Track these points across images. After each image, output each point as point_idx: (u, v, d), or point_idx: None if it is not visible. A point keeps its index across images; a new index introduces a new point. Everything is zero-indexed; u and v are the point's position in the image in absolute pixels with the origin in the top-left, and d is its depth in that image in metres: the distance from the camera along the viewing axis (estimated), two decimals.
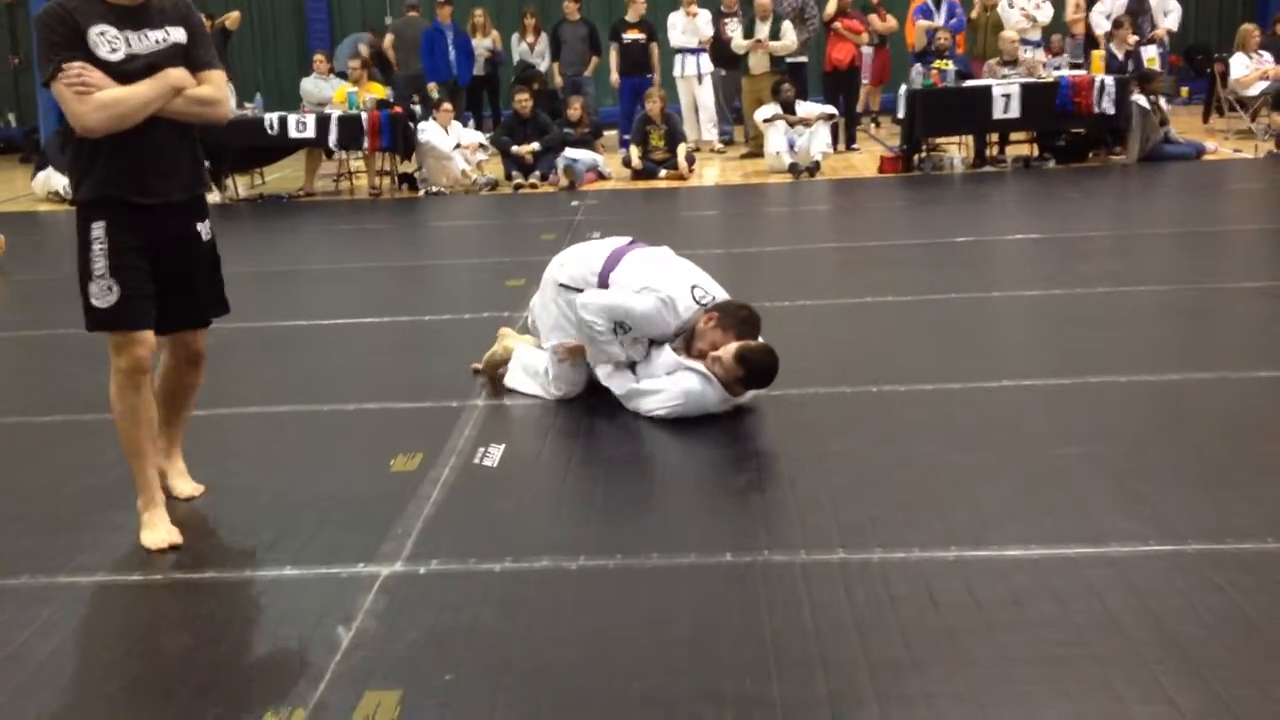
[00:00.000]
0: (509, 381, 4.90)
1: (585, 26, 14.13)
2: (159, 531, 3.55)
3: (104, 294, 3.46)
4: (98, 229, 3.45)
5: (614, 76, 13.86)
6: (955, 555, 3.27)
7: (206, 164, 11.97)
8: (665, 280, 4.60)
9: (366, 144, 11.57)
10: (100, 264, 3.45)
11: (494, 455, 4.20)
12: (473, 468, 4.11)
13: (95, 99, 3.34)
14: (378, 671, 2.83)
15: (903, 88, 11.79)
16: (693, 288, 4.60)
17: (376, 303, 6.94)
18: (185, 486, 3.88)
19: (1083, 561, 3.19)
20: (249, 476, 4.09)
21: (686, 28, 13.52)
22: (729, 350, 4.39)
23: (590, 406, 4.65)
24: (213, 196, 11.61)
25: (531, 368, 4.84)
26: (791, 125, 11.89)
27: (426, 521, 3.65)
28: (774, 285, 6.59)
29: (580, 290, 4.69)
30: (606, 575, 3.29)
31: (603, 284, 4.66)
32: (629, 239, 4.95)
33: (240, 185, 12.21)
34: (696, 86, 13.68)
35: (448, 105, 12.19)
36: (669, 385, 4.46)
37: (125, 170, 3.44)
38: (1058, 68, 12.19)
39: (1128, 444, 4.09)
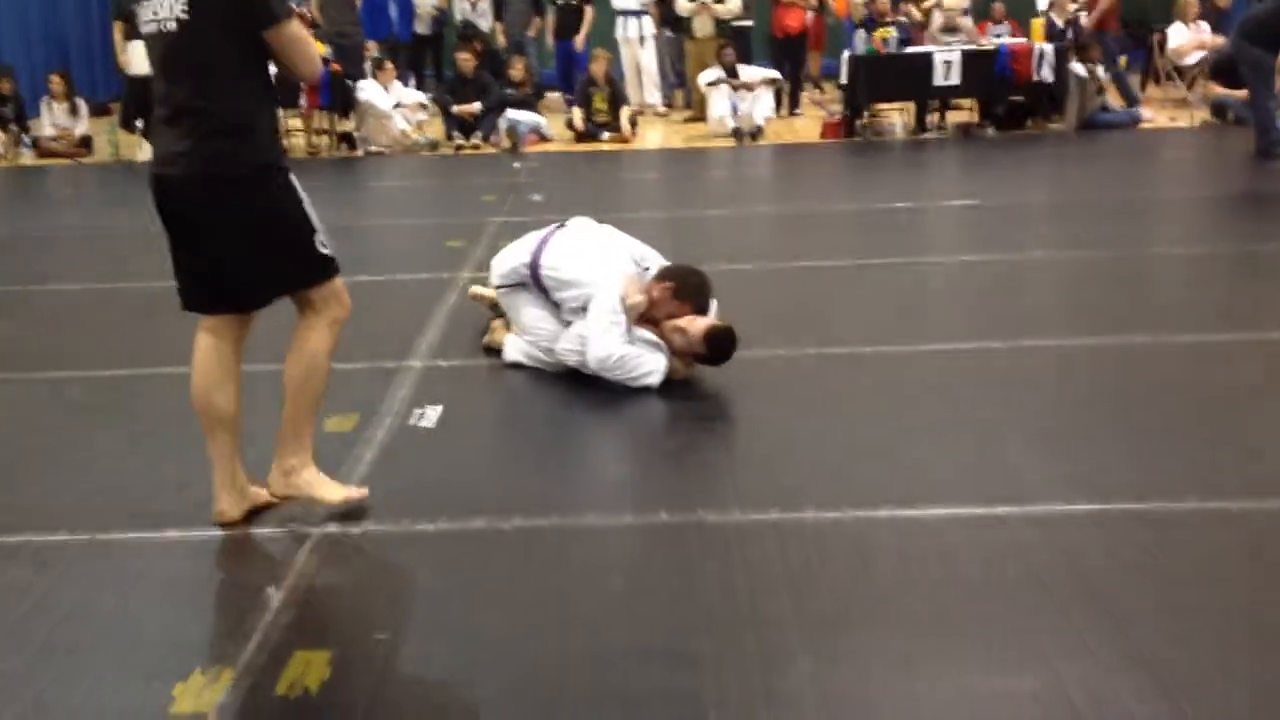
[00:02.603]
0: (508, 357, 4.76)
1: None
2: (339, 487, 3.45)
3: (327, 243, 3.33)
4: (296, 181, 3.27)
5: (549, 39, 13.77)
6: (887, 515, 3.30)
7: (139, 123, 11.76)
8: (602, 262, 4.57)
9: (304, 102, 11.41)
10: (315, 215, 3.30)
11: (431, 416, 4.18)
12: (409, 429, 4.09)
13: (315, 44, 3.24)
14: (308, 632, 2.82)
15: (845, 54, 11.80)
16: (636, 261, 4.61)
17: None
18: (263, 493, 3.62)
19: (1010, 520, 3.24)
20: (177, 435, 4.03)
21: None
22: (698, 328, 4.38)
23: (530, 371, 4.63)
24: (147, 154, 11.49)
25: (529, 354, 4.70)
26: (735, 90, 11.88)
27: (361, 482, 3.62)
28: (716, 249, 6.58)
29: (518, 284, 4.66)
30: (542, 535, 3.29)
31: (533, 273, 4.62)
32: (554, 225, 4.89)
33: None
34: (639, 49, 13.61)
35: (388, 63, 12.05)
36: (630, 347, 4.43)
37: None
38: (998, 35, 12.24)
39: (1057, 406, 4.15)
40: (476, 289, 5.36)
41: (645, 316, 4.48)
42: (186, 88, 3.13)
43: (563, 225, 4.86)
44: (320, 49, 11.87)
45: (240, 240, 3.22)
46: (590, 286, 4.45)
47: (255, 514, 3.42)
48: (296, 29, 3.15)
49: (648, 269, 4.64)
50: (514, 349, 4.68)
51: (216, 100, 3.12)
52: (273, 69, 3.28)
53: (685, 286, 4.49)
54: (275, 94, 3.35)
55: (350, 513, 3.41)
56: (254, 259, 3.26)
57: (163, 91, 3.18)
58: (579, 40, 13.52)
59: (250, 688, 2.58)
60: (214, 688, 2.57)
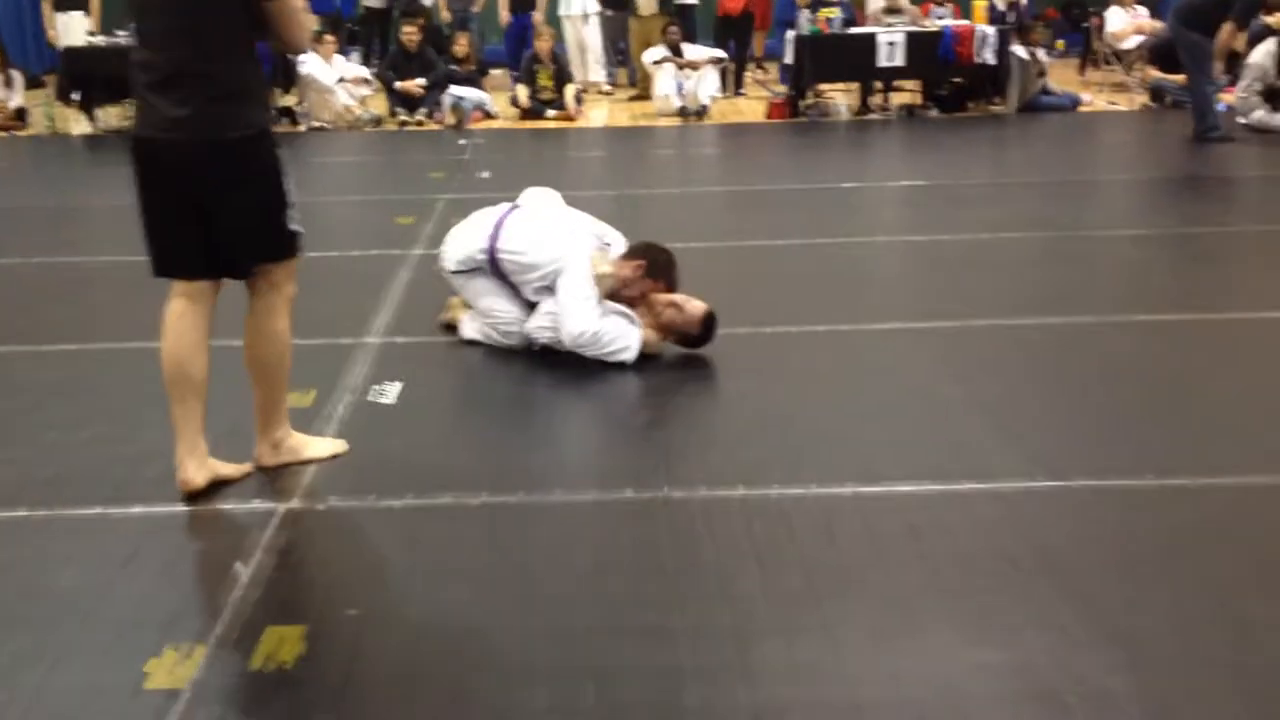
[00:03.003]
0: (465, 334, 4.73)
1: None
2: (325, 441, 3.64)
3: (296, 220, 3.39)
4: (282, 156, 3.32)
5: (504, 14, 13.67)
6: (852, 491, 3.34)
7: (77, 96, 11.53)
8: (565, 239, 4.55)
9: None
10: (293, 191, 3.36)
11: (390, 392, 4.16)
12: (368, 405, 4.07)
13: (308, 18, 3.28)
14: (279, 607, 2.80)
15: (789, 33, 11.84)
16: (598, 237, 4.62)
17: None
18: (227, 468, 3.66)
19: (973, 497, 3.29)
20: (132, 412, 3.98)
21: None
22: (695, 309, 4.43)
23: (489, 348, 4.62)
24: (84, 127, 11.29)
25: (486, 334, 4.66)
26: (680, 68, 11.88)
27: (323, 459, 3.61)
28: (664, 227, 6.55)
29: (474, 270, 4.63)
30: (509, 511, 3.29)
31: (492, 258, 4.58)
32: (508, 206, 4.85)
33: (113, 116, 11.78)
34: (583, 26, 13.56)
35: (330, 37, 11.90)
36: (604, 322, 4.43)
37: None
38: (941, 18, 12.34)
39: (1012, 385, 4.21)
40: (446, 316, 5.09)
41: (616, 294, 4.49)
42: (185, 53, 3.17)
43: (516, 206, 4.82)
44: None
45: (234, 205, 3.28)
46: (555, 264, 4.44)
47: (215, 487, 3.39)
48: (288, 2, 3.19)
49: (608, 244, 4.64)
50: (471, 328, 4.66)
51: (217, 65, 3.18)
52: None
53: (656, 264, 4.52)
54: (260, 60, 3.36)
55: (315, 489, 3.40)
56: (244, 225, 3.32)
57: (151, 58, 3.20)
58: (537, 16, 13.41)
59: (225, 663, 2.57)
60: (187, 663, 2.56)
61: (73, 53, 11.44)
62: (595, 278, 4.41)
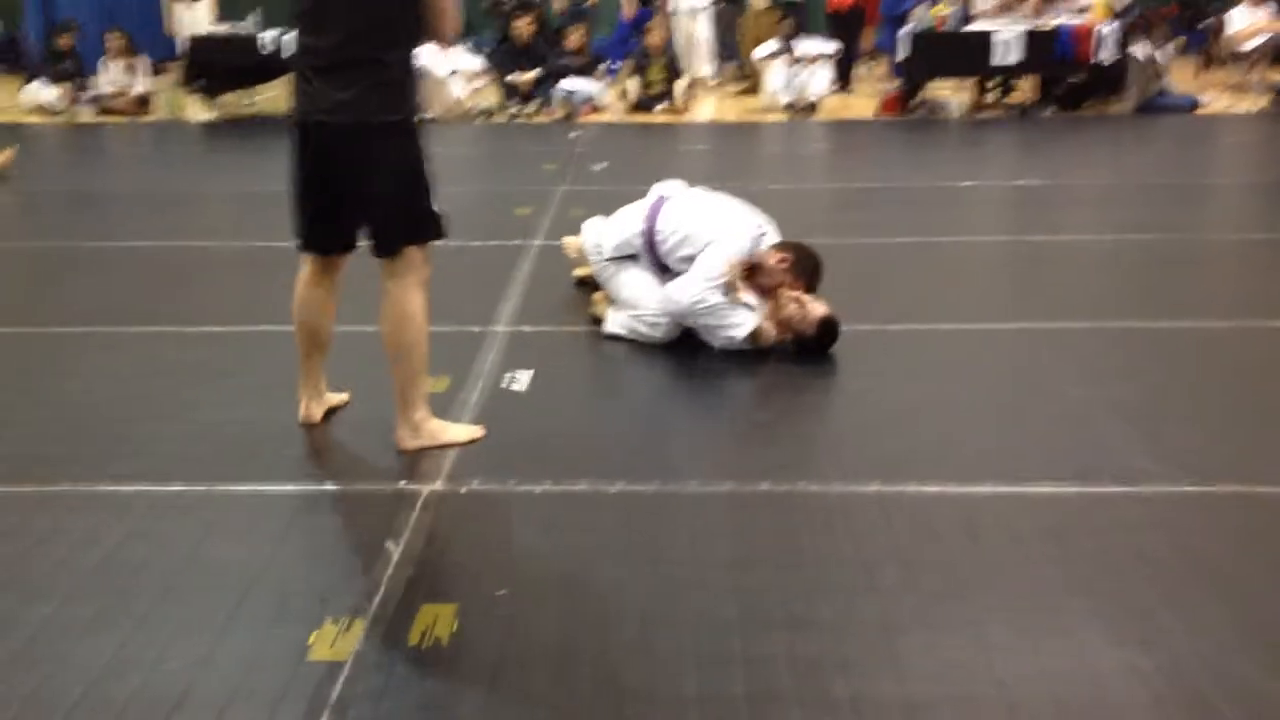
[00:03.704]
0: (608, 329, 4.75)
1: None
2: (463, 428, 3.75)
3: (439, 203, 3.54)
4: (425, 145, 3.48)
5: (627, 7, 13.73)
6: (990, 490, 3.33)
7: (201, 82, 11.86)
8: (725, 219, 4.63)
9: None
10: (434, 178, 3.51)
11: (521, 380, 4.23)
12: (501, 391, 4.14)
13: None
14: (431, 585, 2.88)
15: (903, 29, 11.75)
16: (755, 226, 4.66)
17: None
18: (336, 397, 3.98)
19: (1116, 499, 3.27)
20: (276, 394, 4.09)
21: None
22: (816, 310, 4.44)
23: (619, 340, 4.66)
24: (206, 114, 11.58)
25: (631, 327, 4.68)
26: (793, 63, 11.85)
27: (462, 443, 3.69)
28: (778, 223, 6.59)
29: (630, 256, 4.71)
30: (646, 500, 3.34)
31: (649, 244, 4.67)
32: (657, 196, 4.93)
33: (230, 104, 12.07)
34: (694, 21, 13.58)
35: None
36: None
37: None
38: (1059, 15, 12.15)
39: (1145, 387, 4.16)
40: (569, 239, 5.40)
41: (755, 283, 4.53)
42: (350, 38, 3.33)
43: (666, 196, 4.89)
44: None
45: (382, 186, 3.43)
46: (705, 236, 4.51)
47: (329, 415, 3.78)
48: None
49: (764, 234, 4.67)
50: (615, 322, 4.71)
51: (385, 53, 3.34)
52: None
53: (802, 262, 4.57)
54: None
55: (457, 472, 3.48)
56: (387, 206, 3.47)
57: (318, 43, 3.37)
58: (662, 8, 13.45)
59: (383, 638, 2.64)
60: (347, 637, 2.64)
61: (197, 42, 11.73)
62: (734, 266, 4.44)
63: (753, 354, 4.44)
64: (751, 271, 4.56)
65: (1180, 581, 2.84)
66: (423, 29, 3.42)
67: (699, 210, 4.71)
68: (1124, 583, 2.85)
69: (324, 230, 3.60)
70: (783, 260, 4.55)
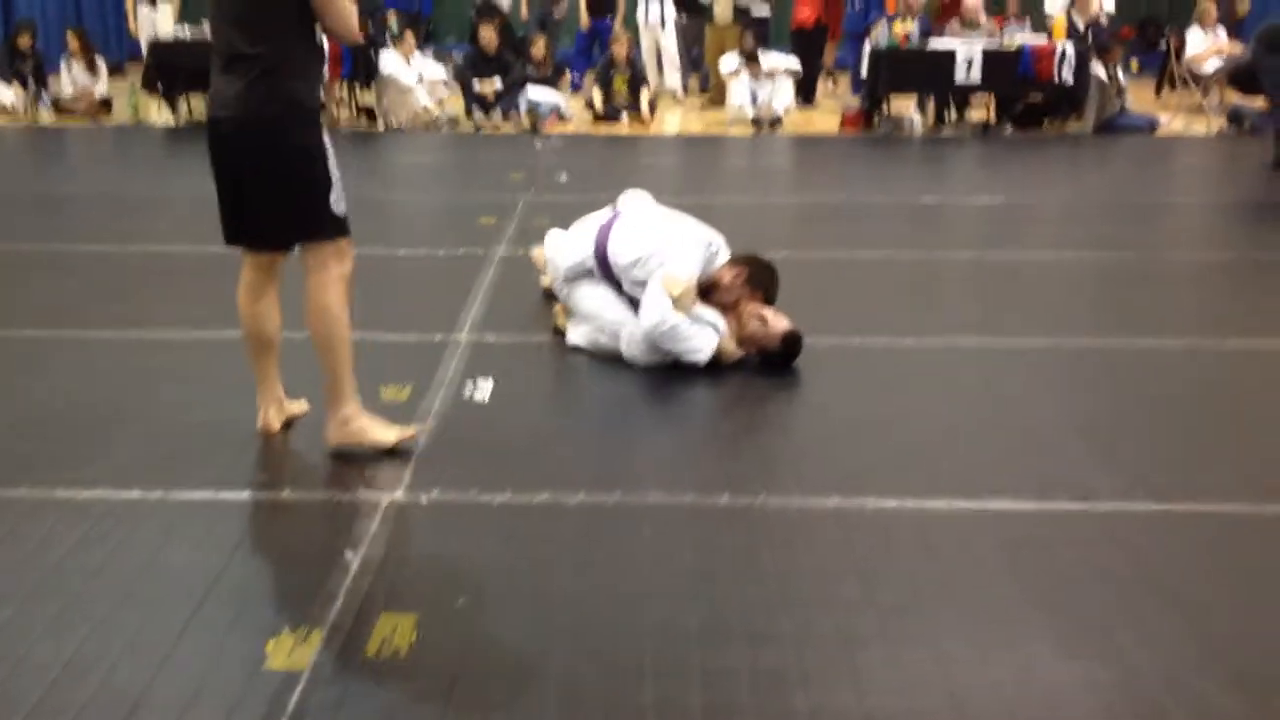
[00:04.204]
0: (571, 341, 4.75)
1: None
2: (393, 428, 3.67)
3: (340, 201, 3.52)
4: (327, 138, 3.48)
5: (584, 18, 13.78)
6: (948, 505, 3.36)
7: (161, 85, 11.72)
8: (673, 238, 4.60)
9: (326, 71, 11.39)
10: (336, 172, 3.49)
11: (483, 389, 4.23)
12: (463, 401, 4.13)
13: (351, 6, 3.39)
14: (389, 595, 2.86)
15: (867, 45, 11.83)
16: (707, 243, 4.64)
17: None
18: (295, 406, 3.93)
19: (1072, 515, 3.30)
20: (235, 400, 4.05)
21: None
22: (779, 326, 4.46)
23: (579, 350, 4.67)
24: (167, 118, 11.49)
25: (593, 340, 4.67)
26: (755, 78, 11.91)
27: (423, 452, 3.68)
28: (741, 237, 6.59)
29: (581, 275, 4.70)
30: (607, 511, 3.34)
31: (601, 263, 4.66)
32: (610, 212, 4.94)
33: (195, 108, 11.98)
34: (660, 32, 13.63)
35: (409, 35, 12.04)
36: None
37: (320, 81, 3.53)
38: (1019, 33, 12.27)
39: (1101, 404, 4.21)
40: (537, 250, 5.40)
41: (713, 300, 4.54)
42: (237, 37, 3.39)
43: (618, 213, 4.89)
44: None
45: (265, 180, 3.46)
46: (659, 256, 4.49)
47: (288, 425, 3.74)
48: None
49: (716, 250, 4.68)
50: (577, 334, 4.71)
51: (261, 47, 3.37)
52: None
53: (758, 274, 4.58)
54: (320, 49, 3.52)
55: (417, 482, 3.46)
56: (273, 200, 3.48)
57: (216, 43, 3.45)
58: (617, 21, 13.53)
59: (341, 648, 2.63)
60: (304, 646, 2.62)
61: (159, 45, 11.64)
62: (686, 286, 4.43)
63: (716, 366, 4.45)
64: (709, 289, 4.56)
65: (1136, 597, 2.87)
66: (308, 26, 3.40)
67: (649, 230, 4.68)
68: (1080, 598, 2.87)
69: (238, 226, 3.59)
70: (738, 274, 4.56)
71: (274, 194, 3.47)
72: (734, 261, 4.65)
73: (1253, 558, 3.10)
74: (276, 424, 3.79)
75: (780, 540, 3.18)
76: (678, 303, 4.38)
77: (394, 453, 3.64)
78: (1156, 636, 2.70)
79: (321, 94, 3.56)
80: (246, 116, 3.40)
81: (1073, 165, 10.23)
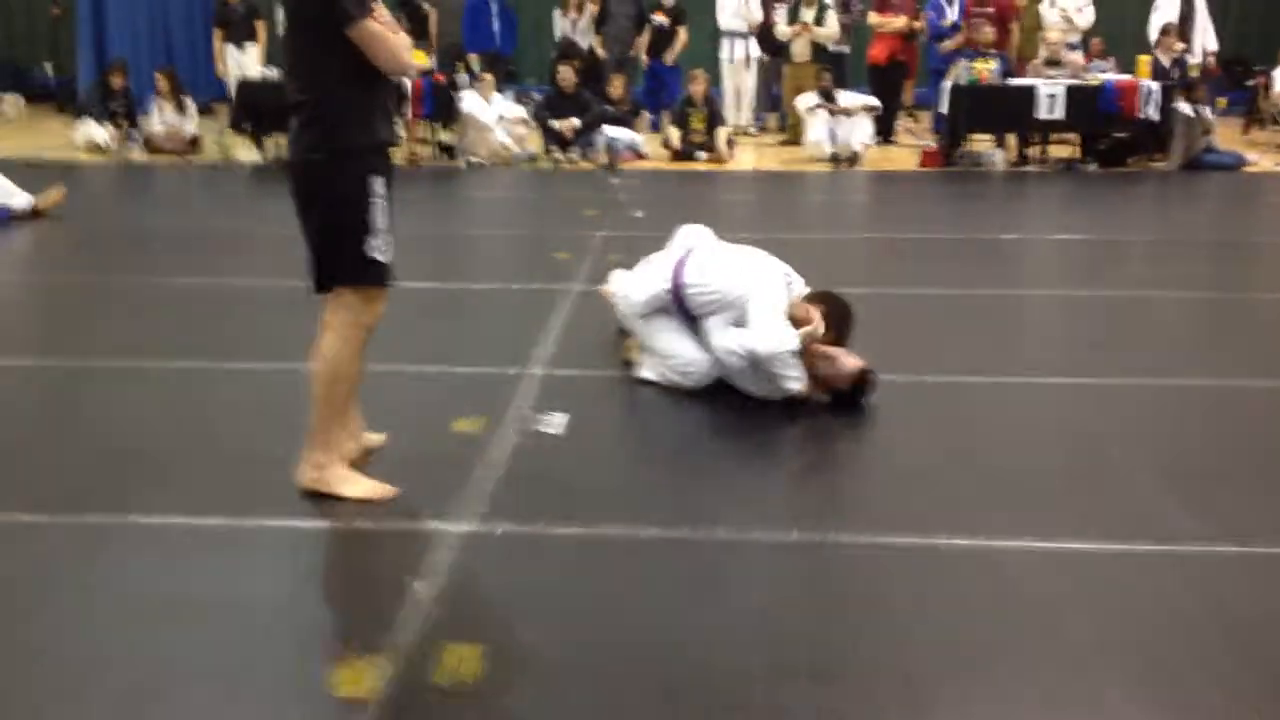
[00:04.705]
0: (642, 374, 4.75)
1: (634, 5, 14.02)
2: (365, 483, 3.58)
3: (386, 249, 3.50)
4: (378, 183, 3.46)
5: (644, 57, 13.88)
6: (1024, 545, 3.30)
7: (248, 125, 11.95)
8: (753, 269, 4.60)
9: (409, 111, 11.58)
10: (383, 219, 3.48)
11: (556, 422, 4.23)
12: (536, 434, 4.14)
13: (401, 41, 3.43)
14: (458, 626, 2.87)
15: (945, 83, 11.77)
16: (783, 275, 4.63)
17: (424, 268, 6.89)
18: (373, 438, 3.91)
19: (1152, 558, 3.23)
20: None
21: (737, 10, 13.52)
22: (849, 365, 4.40)
23: (653, 386, 4.66)
24: (254, 157, 11.73)
25: (663, 374, 4.66)
26: (833, 115, 11.89)
27: (495, 483, 3.69)
28: (819, 273, 6.56)
29: (656, 311, 4.70)
30: (678, 546, 3.32)
31: (676, 294, 4.65)
32: (681, 250, 4.92)
33: (281, 146, 12.21)
34: (743, 71, 13.70)
35: (488, 75, 12.19)
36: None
37: (387, 120, 3.54)
38: (1103, 71, 12.15)
39: (1186, 446, 4.12)
40: (606, 288, 5.39)
41: None
42: (292, 82, 3.48)
43: (690, 249, 4.89)
44: (422, 59, 12.15)
45: (306, 221, 3.50)
46: (744, 293, 4.48)
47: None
48: (371, 27, 3.34)
49: (791, 282, 4.66)
50: (648, 367, 4.71)
51: (311, 91, 3.42)
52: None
53: (835, 313, 4.52)
54: (375, 90, 3.47)
55: (490, 513, 3.47)
56: (312, 241, 3.51)
57: (287, 87, 3.53)
58: (669, 58, 13.64)
59: (408, 677, 2.63)
60: (372, 674, 2.63)
61: (246, 85, 11.90)
62: (793, 319, 4.42)
63: (785, 402, 4.42)
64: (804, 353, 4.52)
65: (1214, 646, 2.79)
66: (355, 67, 3.38)
67: (725, 263, 4.69)
68: (1157, 646, 2.80)
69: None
70: (814, 309, 4.52)
71: (314, 236, 3.50)
72: (810, 298, 4.62)
73: None
74: (351, 453, 3.71)
75: (849, 578, 3.15)
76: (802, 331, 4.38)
77: (459, 485, 3.63)
78: (1235, 689, 2.62)
79: (385, 133, 3.54)
80: (294, 159, 3.49)
81: (1158, 202, 10.07)
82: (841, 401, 4.44)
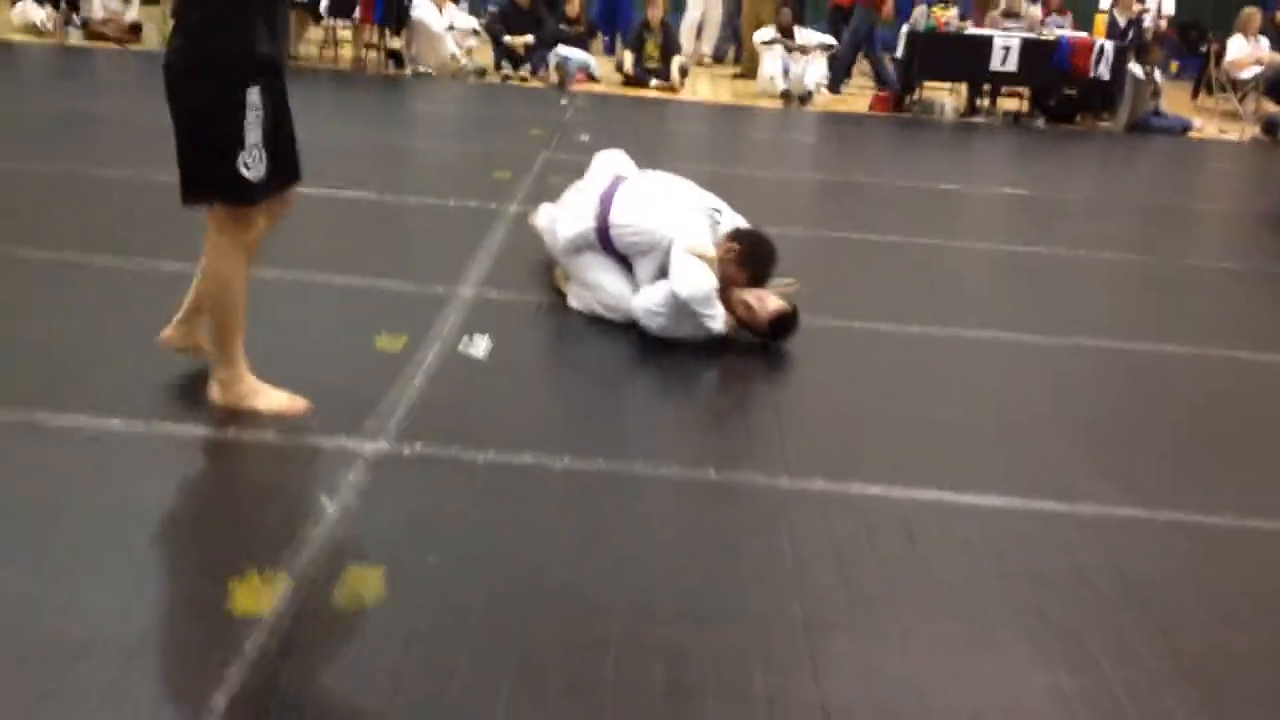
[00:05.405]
0: (572, 304, 4.70)
1: None
2: (277, 396, 3.50)
3: (256, 164, 3.28)
4: (252, 93, 3.23)
5: None
6: (935, 497, 3.32)
7: None
8: (678, 209, 4.54)
9: (358, 14, 11.34)
10: (255, 134, 3.26)
11: (480, 345, 4.19)
12: (458, 356, 4.10)
13: None
14: (362, 547, 2.84)
15: (904, 28, 11.71)
16: (711, 211, 4.57)
17: (359, 177, 6.79)
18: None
19: (1058, 517, 3.26)
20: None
21: None
22: (768, 309, 4.37)
23: (582, 315, 4.62)
24: None
25: (591, 307, 4.62)
26: (789, 51, 11.80)
27: (411, 404, 3.64)
28: (762, 211, 6.53)
29: (583, 247, 4.64)
30: (591, 478, 3.31)
31: (603, 233, 4.58)
32: (611, 177, 4.83)
33: None
34: (714, 1, 13.58)
35: None
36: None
37: (276, 31, 3.29)
38: (1060, 27, 12.14)
39: (1102, 408, 4.16)
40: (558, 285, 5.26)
41: None
42: None
43: (620, 179, 4.81)
44: None
45: (180, 130, 3.29)
46: (667, 233, 4.42)
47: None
48: None
49: (719, 217, 4.60)
50: (577, 298, 4.66)
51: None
52: None
53: (753, 254, 4.47)
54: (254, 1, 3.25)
55: (401, 433, 3.43)
56: (182, 155, 3.30)
57: None
58: None
59: (307, 595, 2.60)
60: (269, 590, 2.60)
61: None
62: (703, 255, 4.38)
63: (710, 342, 4.39)
64: (726, 288, 4.48)
65: (1112, 605, 2.83)
66: None
67: (651, 201, 4.59)
68: (1056, 601, 2.84)
69: None
70: (729, 250, 4.47)
71: (180, 146, 3.30)
72: (732, 235, 4.56)
73: (1232, 573, 3.05)
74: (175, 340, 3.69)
75: (761, 520, 3.14)
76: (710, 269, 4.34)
77: (374, 404, 3.58)
78: (1128, 648, 2.66)
79: (265, 47, 3.26)
80: (168, 63, 3.24)
81: (1101, 162, 10.13)
82: (765, 343, 4.43)
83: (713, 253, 4.41)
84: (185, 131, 3.28)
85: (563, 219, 4.77)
